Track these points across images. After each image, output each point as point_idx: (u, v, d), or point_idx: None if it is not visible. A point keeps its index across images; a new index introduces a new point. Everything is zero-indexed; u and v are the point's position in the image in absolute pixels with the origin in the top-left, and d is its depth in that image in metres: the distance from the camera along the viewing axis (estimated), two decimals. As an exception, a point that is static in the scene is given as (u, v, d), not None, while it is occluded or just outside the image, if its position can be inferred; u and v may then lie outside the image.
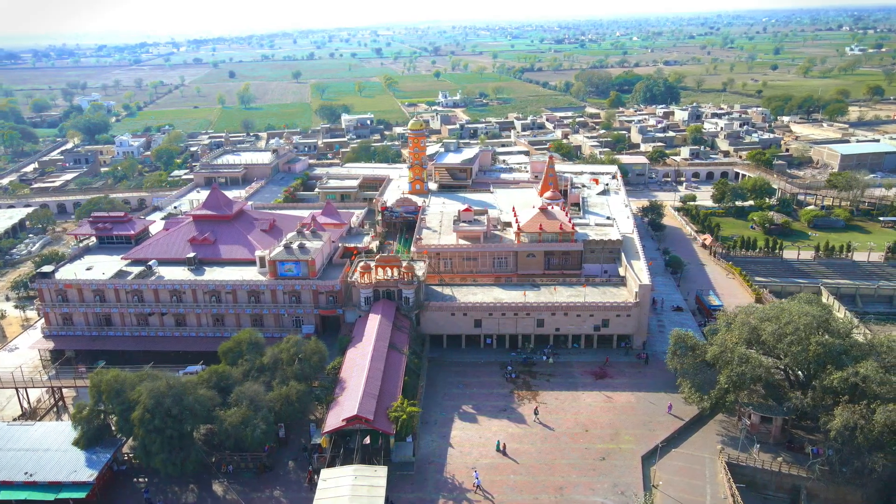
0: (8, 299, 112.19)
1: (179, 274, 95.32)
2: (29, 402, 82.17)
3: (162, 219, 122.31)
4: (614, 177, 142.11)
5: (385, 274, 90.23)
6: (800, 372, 72.49)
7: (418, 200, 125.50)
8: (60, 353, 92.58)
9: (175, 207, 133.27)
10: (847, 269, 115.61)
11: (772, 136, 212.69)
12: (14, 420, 77.92)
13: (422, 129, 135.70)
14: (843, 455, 63.60)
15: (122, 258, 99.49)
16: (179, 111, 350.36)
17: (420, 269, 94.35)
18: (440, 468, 68.46)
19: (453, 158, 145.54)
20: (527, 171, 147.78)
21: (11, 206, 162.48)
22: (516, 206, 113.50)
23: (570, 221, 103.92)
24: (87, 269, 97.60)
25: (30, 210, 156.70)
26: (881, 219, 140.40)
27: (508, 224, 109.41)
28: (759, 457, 67.69)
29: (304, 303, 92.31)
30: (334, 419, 68.72)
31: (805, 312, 71.24)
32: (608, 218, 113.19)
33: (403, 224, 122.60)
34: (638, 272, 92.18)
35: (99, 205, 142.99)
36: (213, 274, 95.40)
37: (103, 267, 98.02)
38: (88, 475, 64.60)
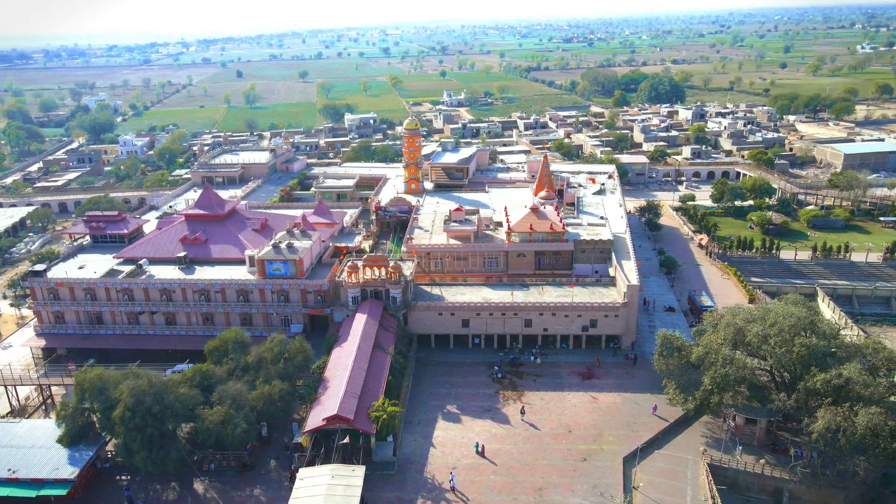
0: (4, 297, 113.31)
1: (170, 273, 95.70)
2: (18, 400, 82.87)
3: (157, 218, 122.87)
4: (611, 176, 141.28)
5: (373, 273, 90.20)
6: (785, 373, 71.73)
7: (412, 200, 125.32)
8: (52, 350, 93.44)
9: (171, 207, 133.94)
10: (844, 269, 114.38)
11: (776, 135, 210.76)
12: (1, 417, 78.62)
13: (417, 129, 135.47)
14: (826, 457, 62.98)
15: (114, 257, 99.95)
16: (186, 111, 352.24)
17: (408, 268, 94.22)
18: (421, 468, 68.35)
19: (450, 158, 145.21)
20: (524, 171, 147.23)
21: (13, 206, 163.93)
22: (510, 206, 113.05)
23: (561, 221, 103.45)
24: (80, 268, 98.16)
25: (31, 209, 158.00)
26: (882, 219, 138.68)
27: (501, 224, 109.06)
28: (741, 459, 67.06)
29: (293, 302, 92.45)
30: (315, 418, 68.80)
31: (790, 314, 70.48)
32: (602, 218, 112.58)
33: (397, 223, 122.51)
34: (627, 272, 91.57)
35: (99, 204, 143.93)
36: (203, 273, 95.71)
37: (96, 266, 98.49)
38: (70, 472, 65.09)
